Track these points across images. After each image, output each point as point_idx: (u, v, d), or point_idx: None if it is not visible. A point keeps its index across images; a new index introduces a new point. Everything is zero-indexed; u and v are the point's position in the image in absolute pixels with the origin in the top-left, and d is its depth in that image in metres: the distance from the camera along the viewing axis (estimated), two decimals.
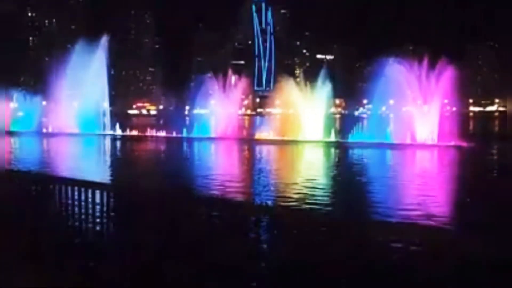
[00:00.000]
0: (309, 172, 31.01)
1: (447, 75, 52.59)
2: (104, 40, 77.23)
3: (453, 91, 54.03)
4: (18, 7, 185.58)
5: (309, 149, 48.02)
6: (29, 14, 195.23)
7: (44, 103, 78.31)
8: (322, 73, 61.64)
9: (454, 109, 71.52)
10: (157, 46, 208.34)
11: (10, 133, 65.11)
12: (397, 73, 54.31)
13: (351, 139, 50.72)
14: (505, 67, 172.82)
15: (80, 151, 48.45)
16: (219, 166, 35.12)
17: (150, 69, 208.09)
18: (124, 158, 43.17)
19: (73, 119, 68.83)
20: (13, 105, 77.79)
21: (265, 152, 45.93)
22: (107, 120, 72.24)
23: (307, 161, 39.98)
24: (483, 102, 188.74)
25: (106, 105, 76.83)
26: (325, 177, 29.32)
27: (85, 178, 9.33)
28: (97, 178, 12.60)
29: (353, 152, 43.71)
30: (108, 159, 41.88)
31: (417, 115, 51.60)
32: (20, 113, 73.85)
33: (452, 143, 45.07)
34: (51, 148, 51.47)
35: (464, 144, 44.32)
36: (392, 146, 46.11)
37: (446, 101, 56.10)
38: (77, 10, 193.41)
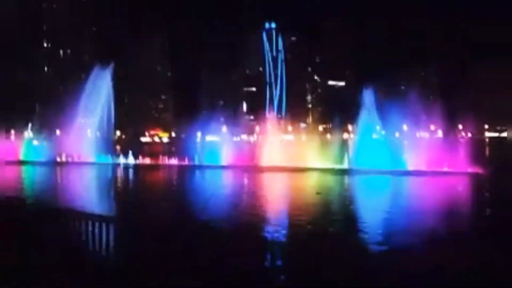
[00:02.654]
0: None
1: (461, 101, 52.13)
2: (115, 68, 77.78)
3: (468, 116, 53.53)
4: (34, 38, 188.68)
5: (318, 176, 47.47)
6: (45, 44, 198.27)
7: (58, 132, 78.78)
8: (334, 99, 61.47)
9: (469, 135, 70.56)
10: (169, 74, 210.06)
11: (24, 163, 65.27)
12: (409, 99, 53.90)
13: (364, 165, 50.06)
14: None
15: (84, 181, 48.02)
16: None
17: (163, 96, 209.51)
18: (125, 189, 42.75)
19: (87, 148, 69.05)
20: (28, 134, 78.44)
21: (268, 180, 45.54)
22: (120, 148, 72.45)
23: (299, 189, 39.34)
24: (498, 128, 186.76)
25: (118, 133, 77.13)
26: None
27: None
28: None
29: (364, 180, 43.18)
30: (107, 189, 41.16)
31: (431, 141, 51.03)
32: (35, 142, 74.26)
33: (468, 170, 44.33)
34: (58, 178, 51.40)
35: (480, 171, 43.62)
36: (406, 173, 45.55)
37: (460, 126, 55.42)
38: (91, 40, 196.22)
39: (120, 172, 56.57)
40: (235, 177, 49.66)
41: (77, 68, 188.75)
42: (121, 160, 65.78)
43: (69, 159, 65.90)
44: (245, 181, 46.24)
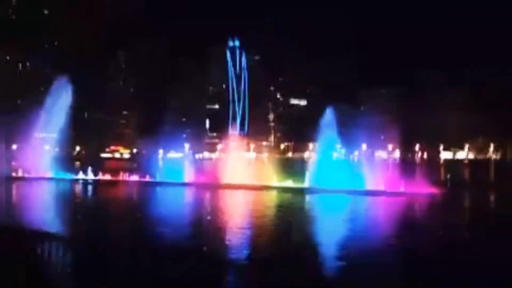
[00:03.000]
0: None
1: (417, 121, 53.53)
2: (75, 82, 76.92)
3: (423, 137, 54.99)
4: None
5: (277, 195, 47.91)
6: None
7: (14, 146, 77.12)
8: (295, 118, 62.20)
9: (425, 155, 72.30)
10: (131, 90, 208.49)
11: None
12: (368, 117, 55.06)
13: (324, 185, 50.67)
14: (477, 111, 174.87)
15: (39, 198, 47.02)
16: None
17: (124, 112, 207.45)
18: (80, 206, 42.04)
19: (44, 163, 67.80)
20: None
21: (226, 198, 45.78)
22: (79, 164, 71.46)
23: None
24: (452, 148, 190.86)
25: (78, 148, 76.08)
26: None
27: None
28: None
29: (322, 198, 43.88)
30: (62, 206, 40.30)
31: (388, 162, 52.15)
32: None
33: (424, 191, 45.37)
34: (13, 194, 50.26)
35: (434, 191, 44.77)
36: (364, 193, 46.37)
37: (417, 147, 56.82)
38: (50, 53, 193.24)
39: (78, 188, 55.76)
40: (194, 194, 49.67)
41: (36, 81, 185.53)
42: (81, 176, 64.84)
43: (26, 175, 64.55)
44: (203, 198, 46.33)
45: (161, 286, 13.81)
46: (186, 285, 13.70)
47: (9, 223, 25.09)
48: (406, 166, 51.44)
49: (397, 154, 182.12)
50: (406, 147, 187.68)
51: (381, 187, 47.64)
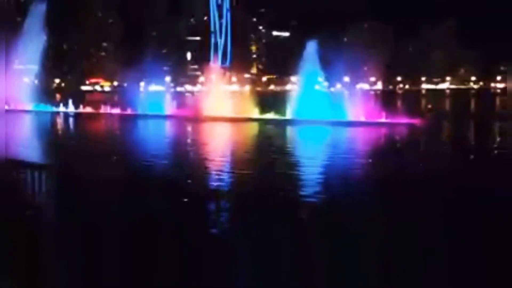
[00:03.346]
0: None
1: (401, 53, 53.48)
2: (52, 13, 74.77)
3: (406, 69, 55.02)
4: None
5: (259, 127, 48.17)
6: None
7: None
8: (279, 50, 61.51)
9: (407, 86, 72.51)
10: (110, 21, 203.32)
11: None
12: (351, 51, 54.76)
13: (306, 116, 51.00)
14: (457, 45, 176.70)
15: (19, 130, 46.66)
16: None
17: (104, 44, 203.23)
18: (62, 137, 41.98)
19: (24, 96, 67.00)
20: None
21: (207, 130, 45.94)
22: (59, 96, 70.74)
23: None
24: (434, 80, 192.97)
25: (57, 81, 74.94)
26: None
27: None
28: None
29: (304, 130, 44.28)
30: (43, 137, 40.17)
31: (370, 93, 52.38)
32: None
33: (404, 121, 45.94)
34: None
35: (415, 121, 45.38)
36: (344, 124, 46.81)
37: (399, 78, 56.89)
38: None
39: (59, 121, 55.48)
40: (175, 127, 49.75)
41: (13, 11, 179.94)
42: (61, 108, 64.35)
43: (6, 107, 63.77)
44: (185, 131, 46.49)
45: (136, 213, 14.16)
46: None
47: None
48: (388, 97, 51.64)
49: (379, 86, 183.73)
50: (388, 79, 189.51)
51: (362, 118, 48.04)
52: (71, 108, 63.90)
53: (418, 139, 38.59)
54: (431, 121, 49.07)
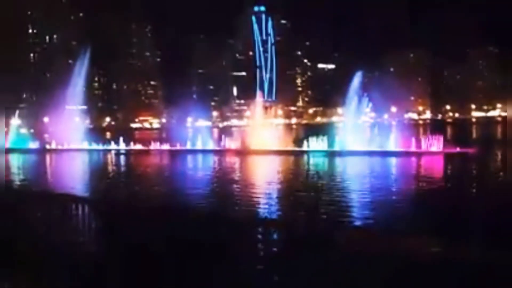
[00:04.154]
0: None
1: (449, 81, 52.44)
2: (102, 55, 77.50)
3: (454, 97, 53.79)
4: (20, 24, 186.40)
5: (308, 159, 47.59)
6: (30, 31, 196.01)
7: (46, 119, 78.31)
8: (324, 82, 61.28)
9: (456, 115, 70.76)
10: (158, 60, 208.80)
11: (13, 150, 64.48)
12: (397, 81, 54.07)
13: (356, 147, 50.39)
14: (506, 72, 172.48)
15: (75, 167, 47.64)
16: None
17: (152, 82, 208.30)
18: (117, 174, 42.40)
19: (76, 135, 68.77)
20: (15, 121, 77.81)
21: (257, 164, 45.63)
22: (110, 134, 72.30)
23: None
24: (485, 107, 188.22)
25: (108, 119, 76.80)
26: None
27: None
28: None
29: (359, 162, 43.24)
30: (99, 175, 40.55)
31: (419, 122, 51.26)
32: (23, 130, 73.81)
33: (457, 149, 44.64)
34: (50, 165, 51.08)
35: (468, 150, 43.99)
36: (397, 154, 45.82)
37: (448, 107, 55.67)
38: (78, 26, 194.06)
39: (112, 158, 56.46)
40: (224, 160, 49.82)
41: (64, 55, 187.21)
42: (112, 146, 65.62)
43: (59, 146, 65.60)
44: (234, 164, 46.44)
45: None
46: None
47: (57, 191, 25.79)
48: (438, 126, 50.28)
49: (427, 115, 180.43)
50: (437, 108, 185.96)
51: (413, 148, 47.09)
52: (122, 146, 65.03)
53: (475, 167, 37.20)
54: (484, 150, 47.28)
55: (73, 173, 41.43)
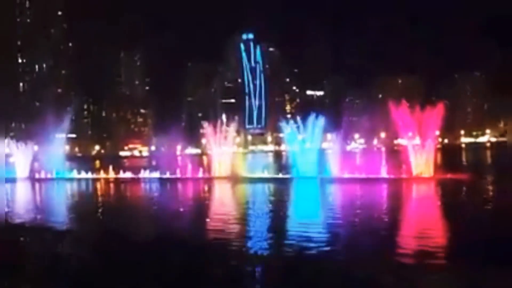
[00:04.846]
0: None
1: (439, 108, 52.83)
2: (91, 83, 77.66)
3: (444, 123, 54.00)
4: (8, 53, 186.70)
5: (303, 185, 47.41)
6: (20, 60, 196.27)
7: (36, 148, 77.54)
8: (312, 108, 61.38)
9: (446, 140, 71.02)
10: (147, 88, 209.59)
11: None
12: (386, 107, 54.39)
13: (346, 174, 50.41)
14: (494, 96, 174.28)
15: (64, 198, 46.94)
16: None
17: (141, 110, 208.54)
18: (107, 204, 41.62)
19: (65, 164, 68.26)
20: (4, 150, 76.98)
21: (251, 191, 45.39)
22: (99, 163, 71.78)
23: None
24: (474, 133, 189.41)
25: (97, 148, 76.37)
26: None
27: None
28: None
29: (350, 188, 43.15)
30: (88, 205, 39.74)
31: (411, 148, 51.36)
32: (12, 159, 72.95)
33: (448, 175, 44.69)
34: (40, 195, 50.40)
35: (460, 176, 44.02)
36: (388, 181, 45.77)
37: (437, 132, 55.96)
38: (67, 55, 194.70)
39: (101, 187, 55.86)
40: (215, 187, 49.56)
41: (53, 83, 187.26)
42: (102, 175, 65.08)
43: (48, 175, 64.97)
44: (227, 191, 46.19)
45: None
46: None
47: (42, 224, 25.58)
48: (428, 151, 50.30)
49: (417, 140, 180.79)
50: (426, 134, 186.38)
51: (404, 175, 47.18)
52: (111, 174, 64.50)
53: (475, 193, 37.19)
54: (478, 176, 47.22)
55: (56, 204, 40.81)
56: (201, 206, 34.77)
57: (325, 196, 40.69)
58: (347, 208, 31.40)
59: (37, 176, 65.63)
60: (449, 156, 50.64)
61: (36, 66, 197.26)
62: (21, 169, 68.31)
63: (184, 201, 40.06)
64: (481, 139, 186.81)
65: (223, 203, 37.72)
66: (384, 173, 47.87)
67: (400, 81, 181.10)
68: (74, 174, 65.48)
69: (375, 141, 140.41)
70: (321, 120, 58.95)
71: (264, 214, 29.14)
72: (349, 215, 27.79)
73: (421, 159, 48.89)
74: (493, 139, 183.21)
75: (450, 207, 29.43)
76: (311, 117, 59.12)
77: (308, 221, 25.51)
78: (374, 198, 36.75)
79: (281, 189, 45.30)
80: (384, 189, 42.05)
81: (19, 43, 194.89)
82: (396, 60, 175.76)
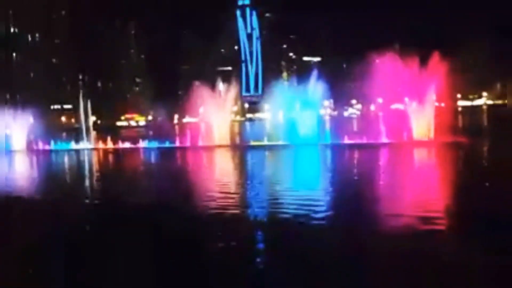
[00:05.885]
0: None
1: (437, 71, 52.36)
2: (87, 53, 76.81)
3: (443, 86, 53.68)
4: (0, 22, 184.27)
5: (305, 152, 47.24)
6: (12, 30, 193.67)
7: (31, 119, 76.95)
8: (310, 75, 60.94)
9: (443, 104, 71.20)
10: (142, 56, 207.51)
11: None
12: (384, 70, 53.92)
13: (346, 140, 50.36)
14: (492, 60, 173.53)
15: (62, 168, 46.72)
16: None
17: (137, 79, 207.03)
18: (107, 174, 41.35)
19: (61, 135, 67.98)
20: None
21: (256, 158, 45.21)
22: (96, 133, 71.52)
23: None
24: (470, 96, 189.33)
25: (94, 118, 75.93)
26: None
27: None
28: None
29: (351, 154, 43.03)
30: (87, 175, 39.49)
31: (410, 112, 51.29)
32: (8, 131, 72.46)
33: (450, 139, 44.54)
34: (38, 167, 50.07)
35: (462, 139, 43.88)
36: (388, 145, 45.70)
37: (434, 96, 55.70)
38: (60, 24, 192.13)
39: (100, 158, 55.71)
40: (216, 156, 49.42)
41: (48, 53, 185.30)
42: (100, 145, 64.94)
43: (46, 147, 64.71)
44: (229, 159, 46.06)
45: None
46: None
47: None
48: (428, 116, 50.21)
49: (414, 105, 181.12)
50: (423, 97, 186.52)
51: (406, 139, 47.23)
52: (109, 145, 64.38)
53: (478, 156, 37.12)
54: (477, 139, 47.14)
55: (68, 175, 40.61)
56: (219, 175, 34.21)
57: (332, 162, 40.56)
58: (356, 174, 31.30)
59: (34, 147, 65.28)
60: (447, 120, 50.19)
61: (29, 36, 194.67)
62: (18, 141, 67.81)
63: (201, 170, 38.99)
64: (477, 102, 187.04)
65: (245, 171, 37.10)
66: (384, 138, 47.78)
67: (397, 46, 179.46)
68: (72, 145, 65.32)
69: (372, 107, 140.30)
70: (319, 86, 58.62)
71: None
72: (360, 181, 27.51)
73: (421, 123, 48.81)
74: (490, 102, 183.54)
75: (455, 172, 29.33)
76: (309, 83, 58.74)
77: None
78: (380, 164, 36.77)
79: (287, 156, 45.18)
80: (387, 154, 41.93)
81: (10, 12, 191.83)
82: (396, 26, 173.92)
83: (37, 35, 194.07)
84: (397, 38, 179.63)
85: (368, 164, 36.33)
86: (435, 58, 52.85)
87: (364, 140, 48.80)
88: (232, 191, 25.13)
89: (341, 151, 45.17)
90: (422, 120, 49.45)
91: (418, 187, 23.92)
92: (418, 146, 44.58)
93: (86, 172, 40.89)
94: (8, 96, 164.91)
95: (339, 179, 28.67)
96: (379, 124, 51.45)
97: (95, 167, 45.93)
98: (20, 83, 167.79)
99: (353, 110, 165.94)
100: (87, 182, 33.39)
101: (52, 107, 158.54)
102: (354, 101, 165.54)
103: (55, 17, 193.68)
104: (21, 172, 43.19)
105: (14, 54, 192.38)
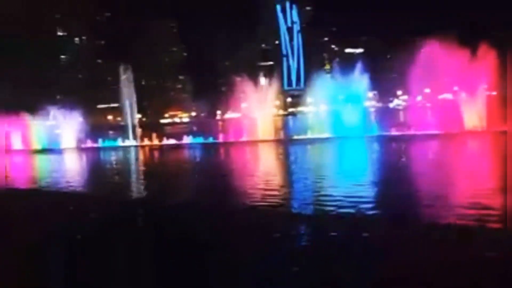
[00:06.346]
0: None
1: (488, 59, 50.54)
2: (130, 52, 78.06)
3: (494, 74, 51.70)
4: (48, 27, 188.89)
5: (352, 144, 46.30)
6: (59, 33, 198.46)
7: (80, 118, 78.64)
8: (353, 67, 59.98)
9: (494, 93, 68.64)
10: (185, 54, 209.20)
11: (47, 151, 64.77)
12: (431, 59, 52.37)
13: (393, 131, 49.35)
14: None
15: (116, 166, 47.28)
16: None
17: (180, 77, 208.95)
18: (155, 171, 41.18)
19: (109, 132, 69.21)
20: (50, 122, 78.48)
21: (302, 152, 44.61)
22: (141, 131, 72.56)
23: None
24: None
25: (139, 116, 76.93)
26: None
27: None
28: None
29: (402, 145, 41.85)
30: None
31: (460, 102, 49.78)
32: (58, 130, 74.25)
33: (503, 128, 42.95)
34: (86, 164, 50.74)
35: None
36: (439, 136, 44.43)
37: (485, 85, 53.78)
38: (104, 26, 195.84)
39: (148, 154, 56.36)
40: (262, 150, 49.21)
41: (93, 55, 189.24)
42: (146, 142, 65.83)
43: (94, 144, 66.03)
44: (277, 154, 45.73)
45: None
46: None
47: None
48: (480, 105, 48.56)
49: (464, 94, 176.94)
50: (473, 87, 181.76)
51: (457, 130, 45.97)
52: (155, 141, 65.17)
53: None
54: None
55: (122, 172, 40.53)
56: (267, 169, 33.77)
57: (380, 155, 39.55)
58: (411, 167, 30.10)
59: (83, 145, 66.65)
60: (500, 108, 48.27)
61: (76, 39, 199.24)
62: (68, 140, 69.31)
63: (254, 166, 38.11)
64: None
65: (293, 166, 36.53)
66: (434, 129, 46.49)
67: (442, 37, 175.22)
68: (119, 142, 66.50)
69: (419, 97, 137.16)
70: (363, 78, 57.71)
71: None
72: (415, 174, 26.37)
73: (472, 112, 47.31)
74: None
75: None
76: (352, 75, 57.89)
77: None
78: (429, 156, 35.67)
79: (334, 150, 44.45)
80: (441, 145, 40.56)
81: (58, 16, 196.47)
82: (439, 16, 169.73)
83: (83, 38, 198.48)
84: (444, 26, 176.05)
85: (425, 156, 35.18)
86: (485, 46, 50.85)
87: (412, 131, 47.65)
88: (288, 185, 24.67)
89: (389, 143, 44.18)
90: (474, 110, 47.85)
91: (487, 179, 22.53)
92: (471, 136, 43.15)
93: (145, 169, 40.75)
94: (58, 97, 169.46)
95: (402, 173, 26.80)
96: (427, 114, 50.17)
97: (149, 164, 46.22)
98: (68, 84, 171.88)
99: (399, 101, 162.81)
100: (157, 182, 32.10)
101: (98, 106, 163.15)
102: (399, 92, 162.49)
103: (98, 19, 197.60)
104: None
105: (62, 57, 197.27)
